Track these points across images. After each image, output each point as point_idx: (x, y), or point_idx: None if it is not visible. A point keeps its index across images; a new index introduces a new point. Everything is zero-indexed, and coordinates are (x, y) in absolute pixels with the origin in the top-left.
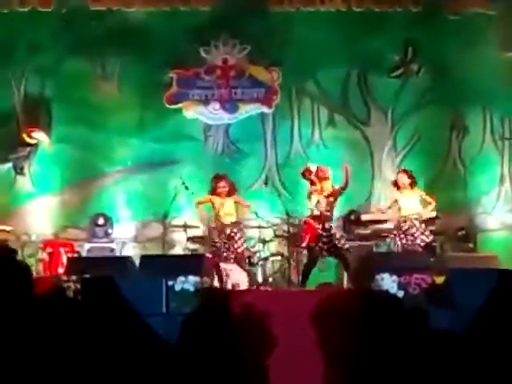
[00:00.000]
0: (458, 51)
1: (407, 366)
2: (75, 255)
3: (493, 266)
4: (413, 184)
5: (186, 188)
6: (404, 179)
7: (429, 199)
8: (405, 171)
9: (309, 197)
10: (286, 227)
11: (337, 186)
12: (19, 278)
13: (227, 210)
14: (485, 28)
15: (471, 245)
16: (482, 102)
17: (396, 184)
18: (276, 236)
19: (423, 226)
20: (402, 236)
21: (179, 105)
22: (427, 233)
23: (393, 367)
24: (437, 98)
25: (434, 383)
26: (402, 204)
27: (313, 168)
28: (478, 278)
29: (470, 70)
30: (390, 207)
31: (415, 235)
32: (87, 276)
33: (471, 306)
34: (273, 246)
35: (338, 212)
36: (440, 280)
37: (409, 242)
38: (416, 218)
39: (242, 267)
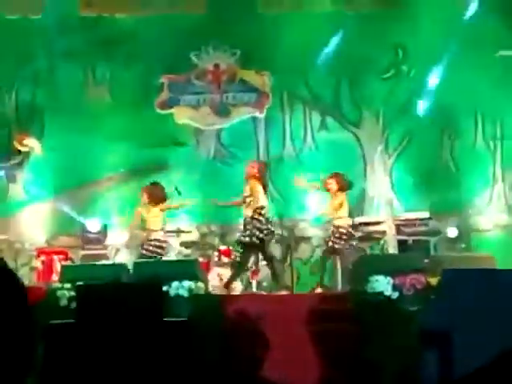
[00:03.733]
0: (449, 52)
1: (403, 367)
2: (69, 263)
3: (488, 267)
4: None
5: (179, 193)
6: (333, 185)
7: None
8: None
9: None
10: (279, 231)
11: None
12: (8, 287)
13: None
14: (476, 28)
15: (464, 245)
16: (473, 102)
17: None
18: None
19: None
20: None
21: (171, 110)
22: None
23: (387, 368)
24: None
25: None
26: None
27: None
28: (473, 278)
29: (461, 70)
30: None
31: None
32: (81, 283)
33: (467, 307)
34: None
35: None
36: (434, 281)
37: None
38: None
39: None
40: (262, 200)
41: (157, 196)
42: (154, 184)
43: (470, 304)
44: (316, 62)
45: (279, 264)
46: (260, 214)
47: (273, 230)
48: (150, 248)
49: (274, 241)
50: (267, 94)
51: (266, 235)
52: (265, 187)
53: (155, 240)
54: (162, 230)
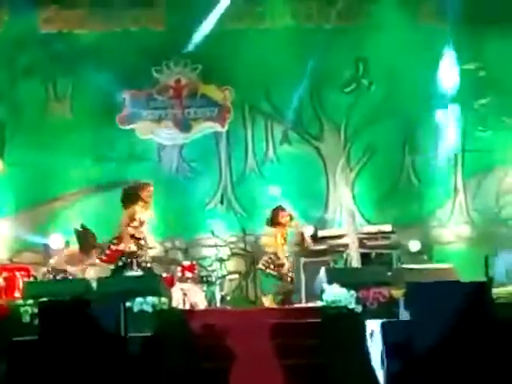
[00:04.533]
0: (410, 66)
1: (366, 380)
2: (31, 279)
3: (449, 278)
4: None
5: None
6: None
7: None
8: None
9: None
10: (242, 245)
11: None
12: None
13: None
14: (437, 42)
15: (426, 257)
16: (433, 115)
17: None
18: (233, 254)
19: None
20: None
21: (132, 125)
22: None
23: (349, 379)
24: (389, 113)
25: None
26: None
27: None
28: (435, 290)
29: (421, 83)
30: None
31: None
32: (44, 300)
33: (429, 318)
34: (230, 265)
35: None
36: (397, 294)
37: None
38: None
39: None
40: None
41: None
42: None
43: (432, 315)
44: (277, 76)
45: (243, 278)
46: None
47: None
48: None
49: (238, 255)
50: (229, 109)
51: None
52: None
53: None
54: None
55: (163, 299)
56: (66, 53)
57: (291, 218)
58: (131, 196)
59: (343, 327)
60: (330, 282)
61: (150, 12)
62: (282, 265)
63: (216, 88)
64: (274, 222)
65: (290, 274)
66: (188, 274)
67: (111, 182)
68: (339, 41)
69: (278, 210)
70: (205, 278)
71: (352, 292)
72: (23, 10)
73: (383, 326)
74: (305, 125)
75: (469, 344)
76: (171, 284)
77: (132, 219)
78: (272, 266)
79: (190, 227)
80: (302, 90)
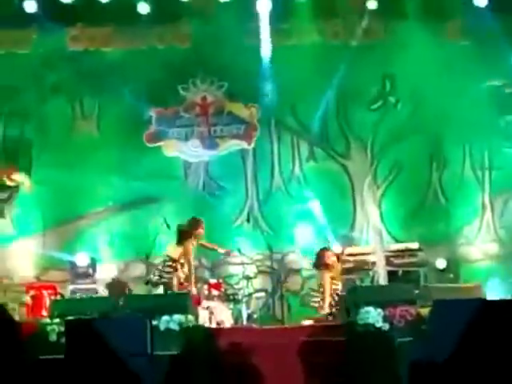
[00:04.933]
0: (437, 82)
1: None
2: (58, 297)
3: (477, 296)
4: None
5: (168, 227)
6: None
7: None
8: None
9: None
10: (269, 263)
11: None
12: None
13: None
14: (463, 58)
15: (453, 275)
16: (461, 132)
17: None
18: (259, 272)
19: None
20: None
21: (159, 143)
22: None
23: None
24: (416, 130)
25: None
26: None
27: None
28: (462, 308)
29: (448, 100)
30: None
31: None
32: (70, 318)
33: (455, 336)
34: (256, 283)
35: (320, 246)
36: (425, 312)
37: None
38: None
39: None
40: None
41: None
42: None
43: (459, 334)
44: (303, 93)
45: (270, 296)
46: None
47: None
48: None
49: (264, 273)
50: (255, 126)
51: None
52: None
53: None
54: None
55: (190, 317)
56: (93, 71)
57: (338, 258)
58: (187, 234)
59: (370, 345)
60: (357, 300)
61: (175, 29)
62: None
63: (242, 105)
64: (321, 263)
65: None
66: (214, 292)
67: (138, 200)
68: (366, 58)
69: (323, 252)
70: (231, 296)
71: (379, 310)
72: (51, 29)
73: (410, 343)
74: (331, 142)
75: (496, 363)
76: (198, 302)
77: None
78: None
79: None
80: (327, 106)
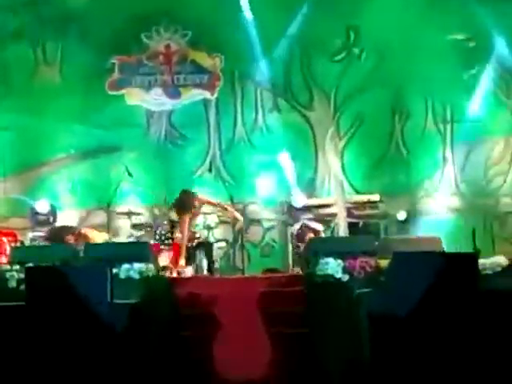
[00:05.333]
0: (401, 35)
1: (348, 349)
2: (18, 244)
3: (436, 249)
4: None
5: (130, 175)
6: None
7: None
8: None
9: None
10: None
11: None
12: None
13: None
14: (427, 12)
15: (414, 227)
16: (423, 85)
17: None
18: (220, 222)
19: None
20: None
21: (122, 91)
22: None
23: (336, 350)
24: (379, 82)
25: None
26: None
27: None
28: (421, 260)
29: (412, 53)
30: None
31: None
32: (30, 265)
33: (414, 289)
34: (217, 233)
35: (281, 197)
36: (384, 263)
37: None
38: None
39: None
40: None
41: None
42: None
43: (417, 286)
44: (267, 44)
45: (231, 246)
46: None
47: None
48: None
49: (225, 223)
50: (218, 76)
51: None
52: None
53: None
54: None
55: (150, 266)
56: (56, 17)
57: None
58: (184, 210)
59: (330, 295)
60: (317, 251)
61: None
62: None
63: (206, 55)
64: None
65: None
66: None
67: (100, 148)
68: (330, 9)
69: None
70: (192, 245)
71: (339, 261)
72: None
73: (369, 295)
74: (294, 93)
75: (453, 315)
76: (158, 251)
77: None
78: None
79: (178, 194)
80: (290, 57)
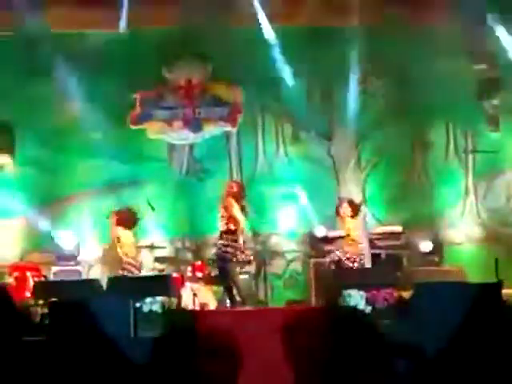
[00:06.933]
0: (420, 65)
1: (373, 379)
2: (42, 279)
3: (459, 279)
4: (354, 214)
5: (153, 209)
6: (347, 210)
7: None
8: (349, 202)
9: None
10: (252, 245)
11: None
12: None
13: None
14: (447, 41)
15: (437, 258)
16: (444, 116)
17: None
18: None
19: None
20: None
21: (143, 125)
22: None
23: (359, 380)
24: (399, 113)
25: None
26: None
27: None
28: (444, 291)
29: (431, 83)
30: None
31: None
32: (54, 300)
33: (439, 320)
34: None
35: (303, 228)
36: (407, 294)
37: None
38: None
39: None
40: (239, 217)
41: (127, 221)
42: (126, 209)
43: (440, 317)
44: (288, 76)
45: (254, 278)
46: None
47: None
48: (126, 269)
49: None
50: (239, 108)
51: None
52: (243, 208)
53: (129, 263)
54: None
55: (172, 299)
56: (76, 53)
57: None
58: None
59: (354, 328)
60: (339, 283)
61: (160, 11)
62: None
63: (226, 87)
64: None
65: None
66: (198, 274)
67: (122, 182)
68: (350, 40)
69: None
70: (215, 278)
71: (362, 293)
72: (34, 10)
73: (393, 326)
74: (315, 125)
75: (478, 346)
76: (181, 284)
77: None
78: None
79: (201, 227)
80: (311, 89)
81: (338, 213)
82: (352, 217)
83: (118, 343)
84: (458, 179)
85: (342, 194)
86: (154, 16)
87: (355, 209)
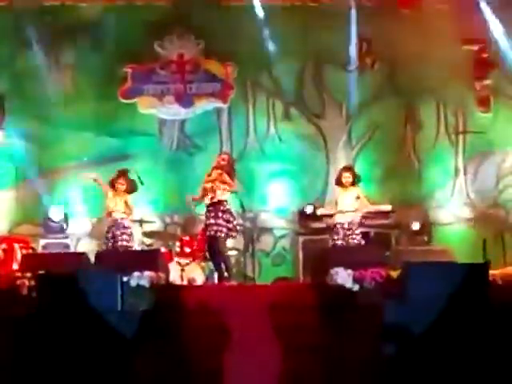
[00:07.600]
0: (413, 45)
1: (360, 358)
2: (30, 251)
3: (447, 259)
4: (354, 182)
5: (142, 183)
6: (347, 177)
7: (364, 201)
8: (349, 169)
9: None
10: (241, 221)
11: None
12: None
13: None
14: (439, 22)
15: (426, 238)
16: (436, 96)
17: (338, 181)
18: None
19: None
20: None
21: (134, 100)
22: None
23: (346, 359)
24: (391, 92)
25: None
26: (339, 200)
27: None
28: (432, 271)
29: (424, 63)
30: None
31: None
32: (42, 272)
33: (426, 299)
34: (229, 241)
35: (293, 206)
36: (395, 274)
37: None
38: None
39: None
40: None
41: (132, 187)
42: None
43: (428, 296)
44: (280, 53)
45: (242, 254)
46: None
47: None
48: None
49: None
50: (231, 85)
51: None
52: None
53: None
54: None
55: (161, 274)
56: (69, 25)
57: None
58: None
59: (341, 306)
60: (327, 261)
61: None
62: None
63: (219, 64)
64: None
65: None
66: (187, 249)
67: (112, 156)
68: (343, 19)
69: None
70: (203, 254)
71: (349, 271)
72: None
73: (380, 305)
74: (306, 102)
75: (465, 326)
76: (169, 259)
77: None
78: None
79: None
80: (303, 67)
81: (339, 182)
82: (352, 184)
83: (105, 316)
84: (448, 159)
85: (331, 171)
86: None
87: (355, 176)
